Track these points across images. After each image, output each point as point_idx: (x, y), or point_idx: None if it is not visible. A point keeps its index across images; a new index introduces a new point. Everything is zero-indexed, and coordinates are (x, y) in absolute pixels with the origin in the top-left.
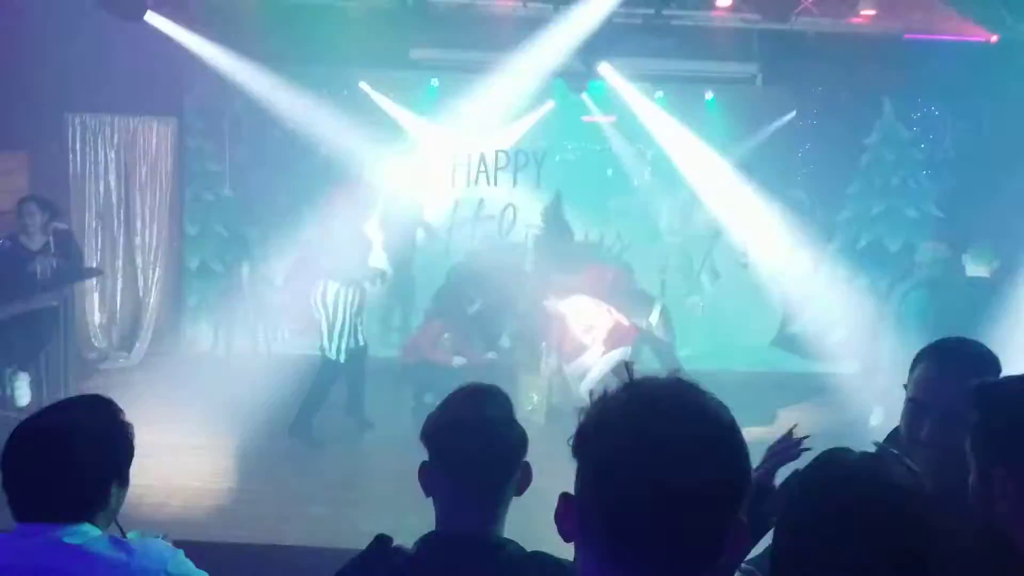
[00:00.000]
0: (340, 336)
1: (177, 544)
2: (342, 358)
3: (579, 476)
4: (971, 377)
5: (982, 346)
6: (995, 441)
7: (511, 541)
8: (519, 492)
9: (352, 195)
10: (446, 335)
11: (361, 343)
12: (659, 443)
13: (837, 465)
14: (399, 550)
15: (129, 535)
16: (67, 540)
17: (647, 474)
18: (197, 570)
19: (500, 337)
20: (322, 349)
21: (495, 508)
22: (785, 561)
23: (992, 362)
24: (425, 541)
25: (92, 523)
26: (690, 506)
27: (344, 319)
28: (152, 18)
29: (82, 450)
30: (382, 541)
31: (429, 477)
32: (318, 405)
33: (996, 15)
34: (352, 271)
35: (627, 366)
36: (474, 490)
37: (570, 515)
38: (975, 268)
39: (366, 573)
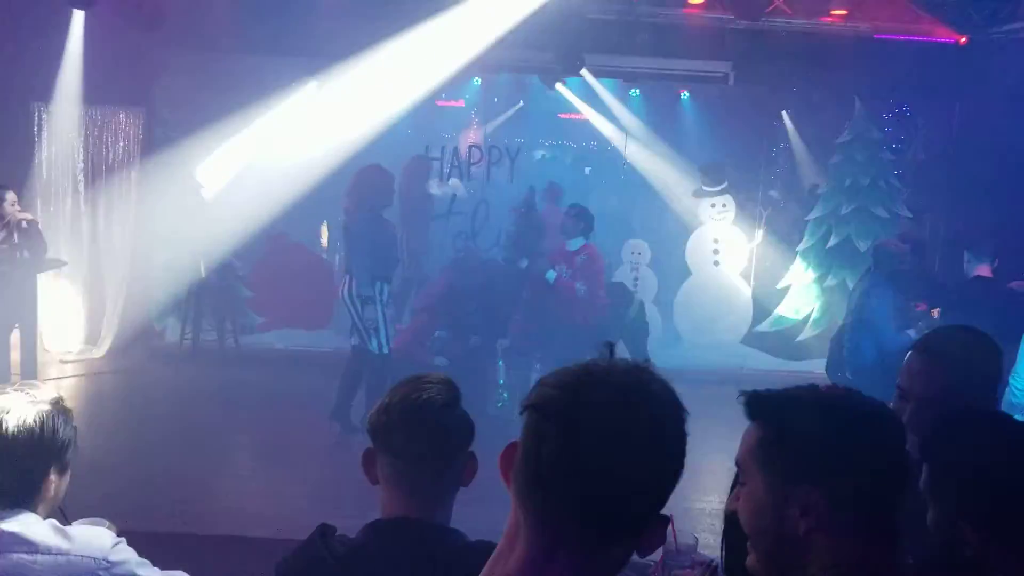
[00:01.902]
0: (377, 330)
1: (125, 534)
2: (385, 350)
3: (524, 426)
4: (954, 366)
5: (975, 336)
6: (958, 493)
7: (453, 530)
8: (465, 482)
9: (375, 187)
10: (437, 333)
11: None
12: (598, 412)
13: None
14: (343, 539)
15: (74, 523)
16: (4, 527)
17: (579, 436)
18: (139, 559)
19: (500, 338)
20: (354, 344)
21: (433, 494)
22: None
23: (982, 350)
24: (367, 528)
25: (32, 511)
26: (614, 476)
27: (384, 314)
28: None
29: (16, 439)
30: (324, 530)
31: (369, 464)
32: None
33: (964, 16)
34: (378, 265)
35: (610, 346)
36: (409, 474)
37: (510, 462)
38: (978, 268)
39: (307, 562)
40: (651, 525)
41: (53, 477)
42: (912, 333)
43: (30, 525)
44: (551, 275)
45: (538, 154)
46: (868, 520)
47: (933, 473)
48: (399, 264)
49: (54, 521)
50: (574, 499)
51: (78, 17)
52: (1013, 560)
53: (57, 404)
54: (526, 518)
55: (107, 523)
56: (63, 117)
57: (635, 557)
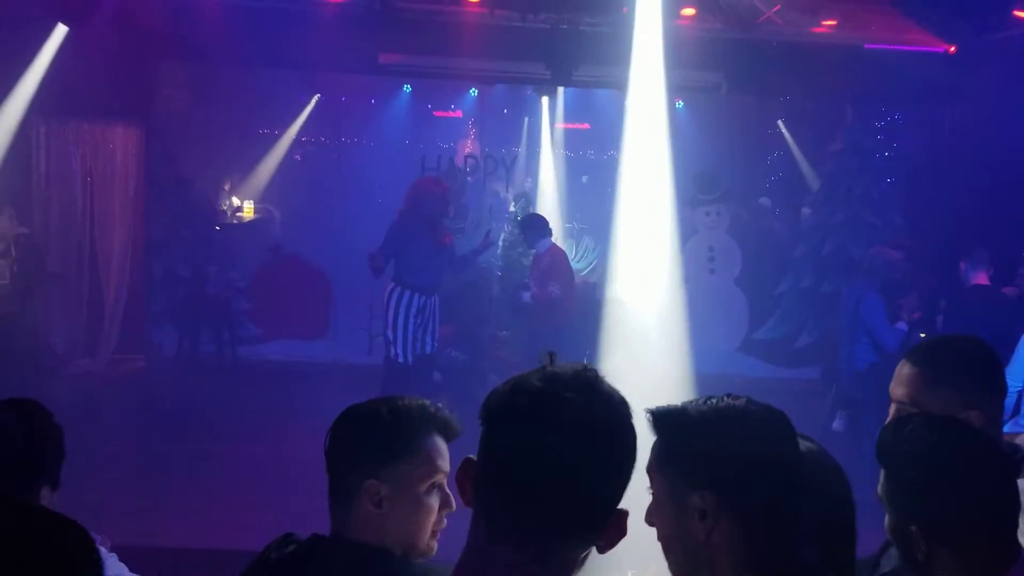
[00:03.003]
0: (395, 337)
1: (119, 548)
2: (400, 360)
3: (481, 441)
4: (943, 376)
5: (967, 345)
6: (906, 496)
7: (364, 545)
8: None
9: (425, 196)
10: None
11: (427, 350)
12: (549, 412)
13: None
14: (292, 548)
15: None
16: None
17: (532, 436)
18: (132, 574)
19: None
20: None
21: (344, 507)
22: None
23: (972, 362)
24: (311, 538)
25: None
26: (568, 473)
27: (407, 323)
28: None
29: (8, 454)
30: (286, 537)
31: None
32: None
33: (953, 26)
34: (404, 271)
35: (550, 354)
36: (331, 486)
37: (468, 478)
38: (975, 276)
39: (251, 566)
40: (610, 521)
41: (45, 492)
42: (903, 325)
43: None
44: (526, 296)
45: (584, 178)
46: (766, 523)
47: (886, 476)
48: (435, 279)
49: None
50: (535, 501)
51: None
52: (958, 564)
53: (48, 420)
54: (488, 528)
55: (100, 537)
56: (62, 131)
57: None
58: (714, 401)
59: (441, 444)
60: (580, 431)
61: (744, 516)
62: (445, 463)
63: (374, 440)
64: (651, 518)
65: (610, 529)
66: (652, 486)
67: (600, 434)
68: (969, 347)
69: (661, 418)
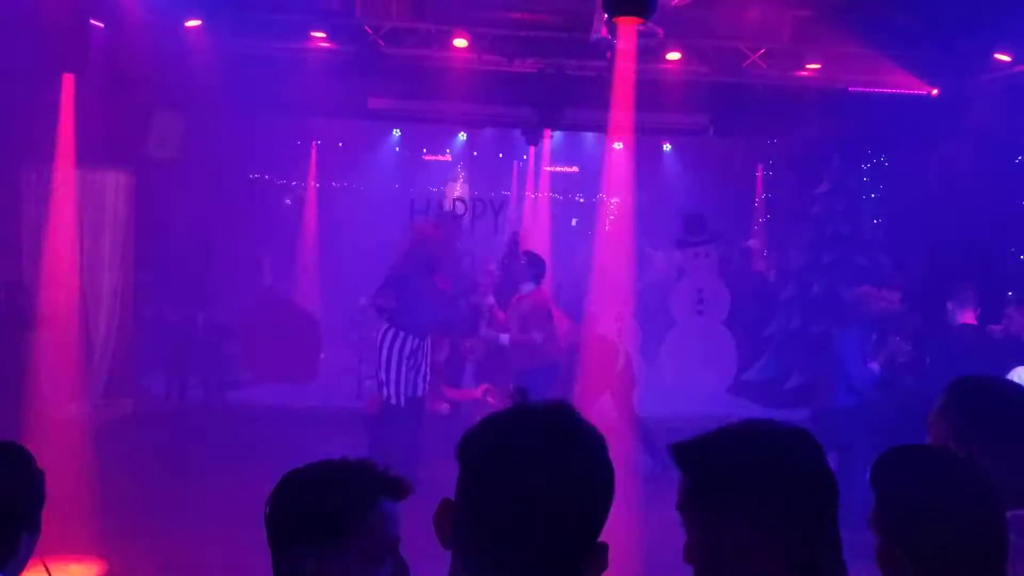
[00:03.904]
0: (386, 379)
1: None
2: (402, 402)
3: (458, 482)
4: (962, 414)
5: (996, 387)
6: (893, 521)
7: None
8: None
9: (425, 241)
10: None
11: (418, 392)
12: (524, 450)
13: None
14: None
15: None
16: None
17: (509, 475)
18: None
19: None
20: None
21: None
22: None
23: (993, 406)
24: None
25: (3, 572)
26: (548, 509)
27: (400, 365)
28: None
29: None
30: None
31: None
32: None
33: (937, 69)
34: (397, 312)
35: (522, 392)
36: (273, 565)
37: (447, 520)
38: (961, 316)
39: None
40: (592, 555)
41: (24, 538)
42: (875, 367)
43: None
44: (503, 338)
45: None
46: (791, 547)
47: (876, 503)
48: (430, 322)
49: None
50: (516, 540)
51: (67, 81)
52: None
53: (29, 464)
54: (467, 569)
55: None
56: (52, 178)
57: None
58: (728, 428)
59: (390, 510)
60: (556, 468)
61: (775, 542)
62: (396, 529)
63: (313, 516)
64: (691, 556)
65: (591, 563)
66: (684, 525)
67: (576, 470)
68: (982, 387)
69: (682, 453)
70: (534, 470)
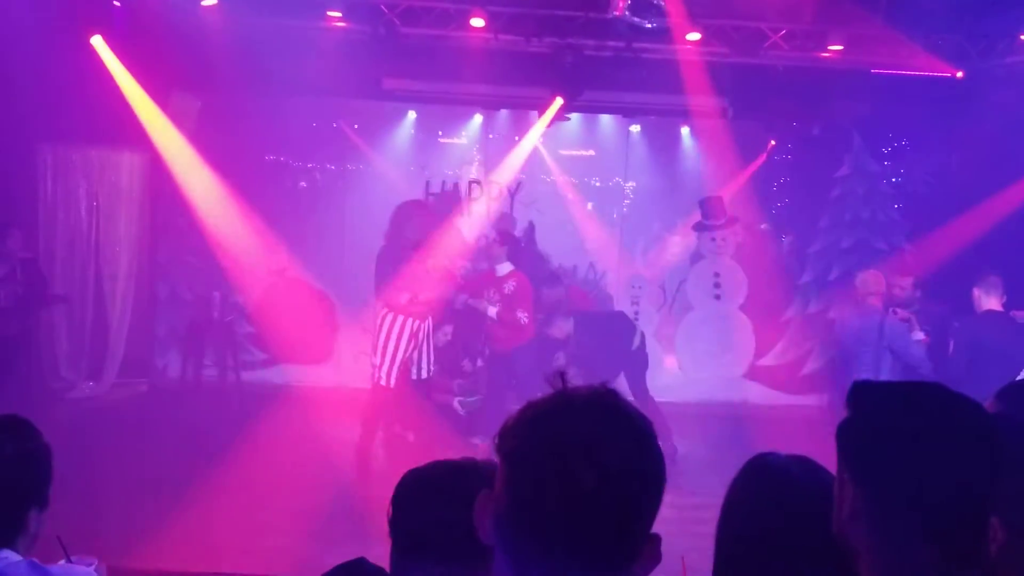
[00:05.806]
0: (392, 365)
1: (116, 572)
2: (383, 382)
3: (499, 474)
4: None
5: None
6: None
7: None
8: None
9: (411, 220)
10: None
11: (422, 375)
12: (572, 440)
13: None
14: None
15: (61, 562)
16: None
17: (557, 468)
18: None
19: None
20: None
21: None
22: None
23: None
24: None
25: (12, 548)
26: (599, 502)
27: (397, 348)
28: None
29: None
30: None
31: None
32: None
33: (961, 51)
34: (402, 299)
35: (561, 375)
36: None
37: (487, 514)
38: (987, 302)
39: None
40: (644, 548)
41: (34, 513)
42: (921, 335)
43: (10, 563)
44: (492, 311)
45: (589, 205)
46: (924, 526)
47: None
48: (414, 302)
49: (34, 560)
50: (565, 535)
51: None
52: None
53: (38, 440)
54: (513, 566)
55: (96, 562)
56: (68, 157)
57: None
58: (911, 385)
59: None
60: (608, 459)
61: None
62: None
63: (450, 532)
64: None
65: (644, 557)
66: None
67: (628, 460)
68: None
69: (855, 391)
70: (586, 462)
